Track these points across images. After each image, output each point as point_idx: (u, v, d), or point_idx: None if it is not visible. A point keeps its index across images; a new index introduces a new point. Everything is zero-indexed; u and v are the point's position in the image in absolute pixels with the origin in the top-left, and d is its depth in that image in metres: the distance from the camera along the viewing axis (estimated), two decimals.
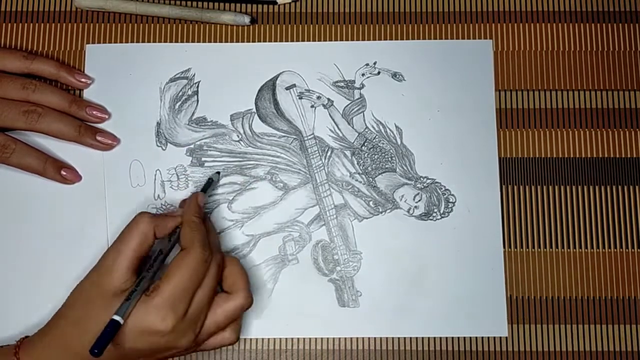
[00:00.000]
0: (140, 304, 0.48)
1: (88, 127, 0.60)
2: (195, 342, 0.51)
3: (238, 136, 0.61)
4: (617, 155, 0.61)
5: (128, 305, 0.48)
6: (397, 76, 0.62)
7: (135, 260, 0.51)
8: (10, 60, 0.59)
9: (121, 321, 0.47)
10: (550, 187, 0.60)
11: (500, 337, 0.58)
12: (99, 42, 0.63)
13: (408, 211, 0.60)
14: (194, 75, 0.62)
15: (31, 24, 0.63)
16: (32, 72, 0.60)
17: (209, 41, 0.63)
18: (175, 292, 0.49)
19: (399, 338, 0.58)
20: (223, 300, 0.52)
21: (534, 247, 0.59)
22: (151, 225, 0.52)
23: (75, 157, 0.60)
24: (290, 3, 0.64)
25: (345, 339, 0.58)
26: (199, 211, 0.54)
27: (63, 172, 0.59)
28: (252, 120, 0.61)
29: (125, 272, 0.50)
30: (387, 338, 0.58)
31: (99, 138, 0.60)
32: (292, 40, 0.63)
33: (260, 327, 0.58)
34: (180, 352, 0.51)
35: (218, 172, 0.60)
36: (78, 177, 0.60)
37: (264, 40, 0.63)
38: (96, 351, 0.45)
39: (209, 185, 0.58)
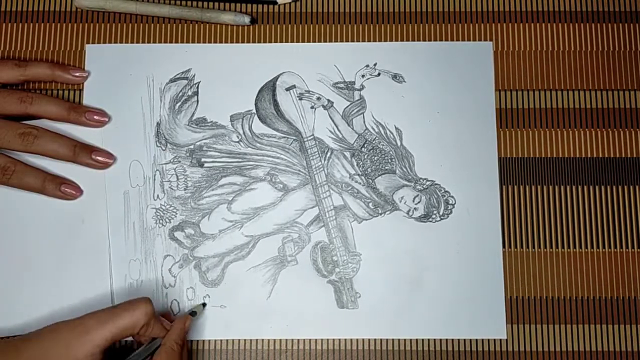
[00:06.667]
0: None
1: (84, 147, 0.59)
2: None
3: (238, 137, 0.61)
4: (617, 155, 0.61)
5: None
6: (397, 77, 0.62)
7: (110, 340, 0.51)
8: (4, 72, 0.59)
9: None
10: (550, 187, 0.60)
11: (500, 338, 0.58)
12: (99, 42, 0.63)
13: (407, 213, 0.60)
14: (194, 76, 0.62)
15: (31, 24, 0.63)
16: (27, 79, 0.60)
17: (209, 41, 0.63)
18: None
19: (398, 339, 0.58)
20: None
21: (533, 247, 0.59)
22: (146, 319, 0.52)
23: None
24: (290, 3, 0.64)
25: (345, 339, 0.58)
26: (182, 337, 0.54)
27: (63, 188, 0.59)
28: (252, 121, 0.61)
29: (95, 348, 0.50)
30: (386, 339, 0.58)
31: (94, 157, 0.59)
32: (292, 41, 0.63)
33: (259, 327, 0.58)
34: None
35: (204, 304, 0.58)
36: (79, 192, 0.59)
37: (264, 41, 0.63)
38: None
39: (198, 311, 0.57)
